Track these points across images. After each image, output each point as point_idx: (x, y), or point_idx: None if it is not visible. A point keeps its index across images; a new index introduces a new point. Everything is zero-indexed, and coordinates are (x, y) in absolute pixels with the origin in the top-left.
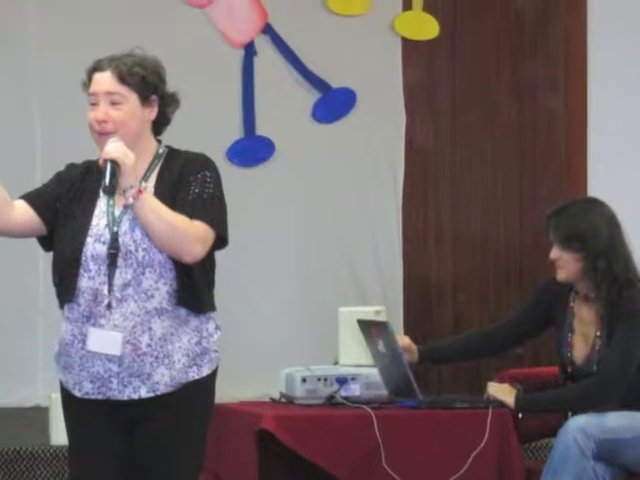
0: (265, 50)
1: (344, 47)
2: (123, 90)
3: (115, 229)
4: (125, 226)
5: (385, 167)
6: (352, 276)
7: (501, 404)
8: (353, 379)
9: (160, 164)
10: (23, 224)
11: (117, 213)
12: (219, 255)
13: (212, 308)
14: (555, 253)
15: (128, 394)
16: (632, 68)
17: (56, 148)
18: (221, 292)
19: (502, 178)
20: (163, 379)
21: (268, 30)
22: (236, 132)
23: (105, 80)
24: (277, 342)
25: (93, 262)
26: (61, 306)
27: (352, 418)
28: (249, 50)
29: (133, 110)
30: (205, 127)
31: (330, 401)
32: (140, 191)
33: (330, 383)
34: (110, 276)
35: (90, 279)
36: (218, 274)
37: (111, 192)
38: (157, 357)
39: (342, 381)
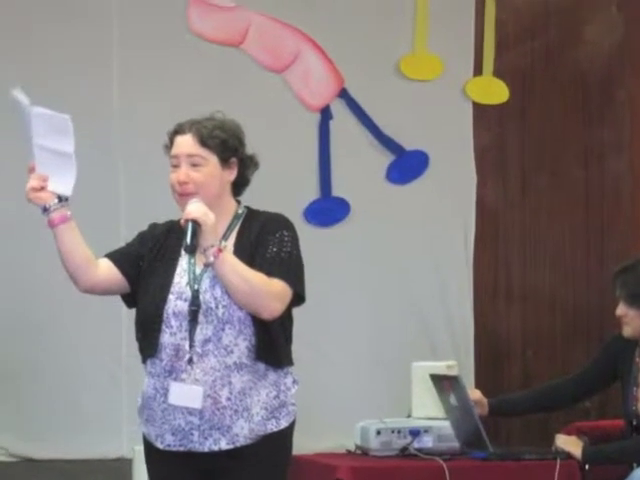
0: (341, 113)
1: (417, 111)
2: (204, 152)
3: (196, 287)
4: (206, 284)
5: (457, 226)
6: (425, 332)
7: (569, 455)
8: (426, 431)
9: (239, 224)
10: (107, 282)
11: (198, 271)
12: (296, 311)
13: (290, 363)
14: (621, 310)
15: (209, 446)
16: None
17: (139, 208)
18: (298, 347)
19: (570, 237)
20: (242, 431)
21: (344, 94)
22: (313, 193)
23: (186, 143)
24: (352, 395)
25: (175, 319)
26: (144, 361)
27: (425, 469)
28: (325, 114)
29: (213, 172)
30: (283, 188)
31: (404, 453)
32: (220, 250)
33: (404, 435)
34: (191, 332)
35: (172, 335)
36: (295, 330)
37: (192, 251)
38: (237, 410)
39: (415, 433)
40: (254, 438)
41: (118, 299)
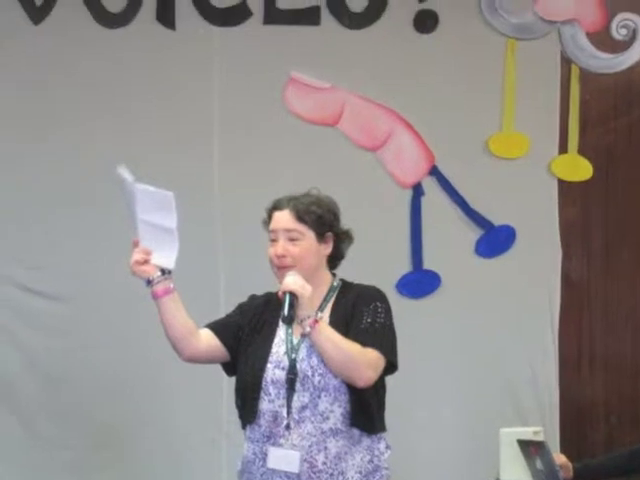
0: (432, 190)
1: (505, 187)
2: (301, 227)
3: (293, 356)
4: (303, 353)
5: (542, 297)
6: (511, 399)
7: None
8: None
9: (335, 296)
10: (208, 351)
11: (295, 341)
12: (389, 379)
13: (383, 429)
14: None
15: None
16: None
17: (239, 280)
18: (390, 413)
19: None
20: None
21: (434, 171)
22: (405, 266)
23: (284, 218)
24: (441, 460)
25: (273, 386)
26: (243, 427)
27: None
28: (417, 190)
29: (310, 246)
30: (376, 261)
31: None
32: (316, 321)
33: None
34: (289, 399)
35: (270, 402)
36: (388, 397)
37: (290, 322)
38: (332, 474)
39: None
40: None
41: (219, 367)
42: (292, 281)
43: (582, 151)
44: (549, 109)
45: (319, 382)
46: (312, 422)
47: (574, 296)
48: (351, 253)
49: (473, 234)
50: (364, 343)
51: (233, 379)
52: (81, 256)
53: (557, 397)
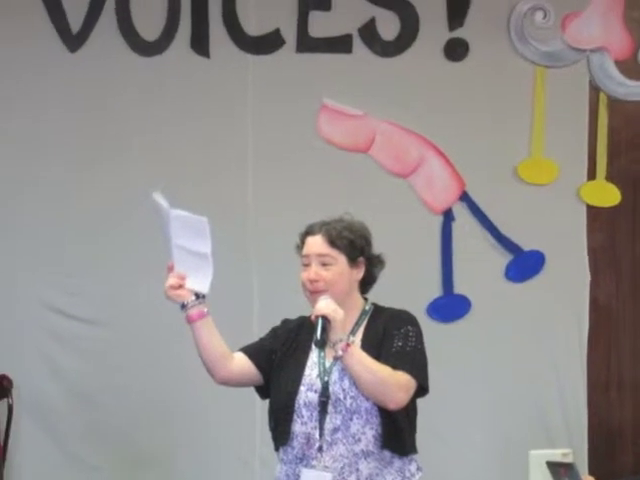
0: (462, 215)
1: (534, 212)
2: (333, 252)
3: (326, 379)
4: (335, 376)
5: (571, 320)
6: (540, 421)
7: None
8: None
9: (367, 320)
10: (242, 374)
11: (327, 364)
12: (420, 402)
13: (414, 450)
14: None
15: None
16: None
17: (272, 305)
18: (421, 435)
19: None
20: None
21: (465, 197)
22: (435, 290)
23: (317, 243)
24: None
25: (306, 409)
26: (276, 449)
27: None
28: (448, 216)
29: (342, 271)
30: (407, 285)
31: None
32: (348, 344)
33: None
34: (321, 421)
35: (303, 424)
36: (419, 419)
37: (322, 345)
38: None
39: None
40: None
41: (252, 390)
42: (325, 305)
43: (610, 177)
44: (578, 136)
45: (351, 405)
46: (344, 444)
47: (602, 320)
48: (383, 277)
49: (503, 259)
50: (395, 366)
51: (266, 402)
52: (117, 281)
53: (586, 419)
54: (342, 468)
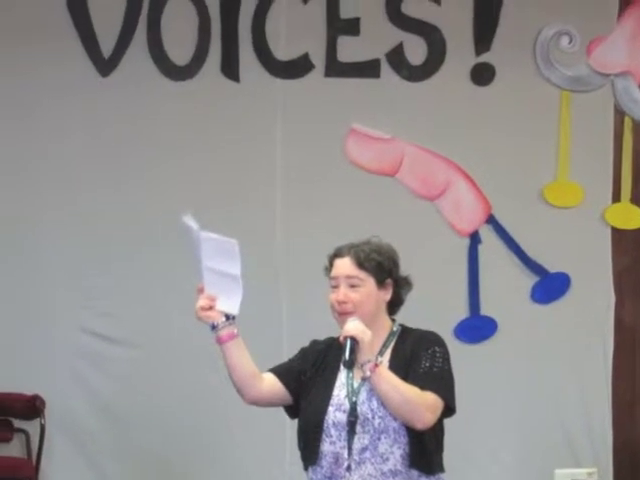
0: (489, 238)
1: (559, 235)
2: (361, 274)
3: (354, 399)
4: (363, 396)
5: (596, 342)
6: (566, 440)
7: None
8: None
9: (394, 341)
10: (271, 395)
11: (356, 385)
12: (447, 422)
13: (441, 470)
14: None
15: None
16: None
17: (301, 326)
18: (449, 455)
19: None
20: None
21: (491, 220)
22: (462, 312)
23: (345, 265)
24: None
25: (334, 429)
26: (305, 468)
27: None
28: (474, 238)
29: (370, 292)
30: (435, 307)
31: None
32: (376, 365)
33: None
34: (349, 441)
35: (331, 444)
36: (446, 439)
37: (350, 366)
38: None
39: None
40: None
41: (282, 410)
42: (353, 326)
43: (635, 200)
44: (603, 159)
45: (379, 424)
46: (372, 463)
47: (627, 341)
48: (410, 299)
49: (529, 281)
50: (423, 387)
51: (295, 421)
52: (150, 303)
53: (611, 439)
54: None
